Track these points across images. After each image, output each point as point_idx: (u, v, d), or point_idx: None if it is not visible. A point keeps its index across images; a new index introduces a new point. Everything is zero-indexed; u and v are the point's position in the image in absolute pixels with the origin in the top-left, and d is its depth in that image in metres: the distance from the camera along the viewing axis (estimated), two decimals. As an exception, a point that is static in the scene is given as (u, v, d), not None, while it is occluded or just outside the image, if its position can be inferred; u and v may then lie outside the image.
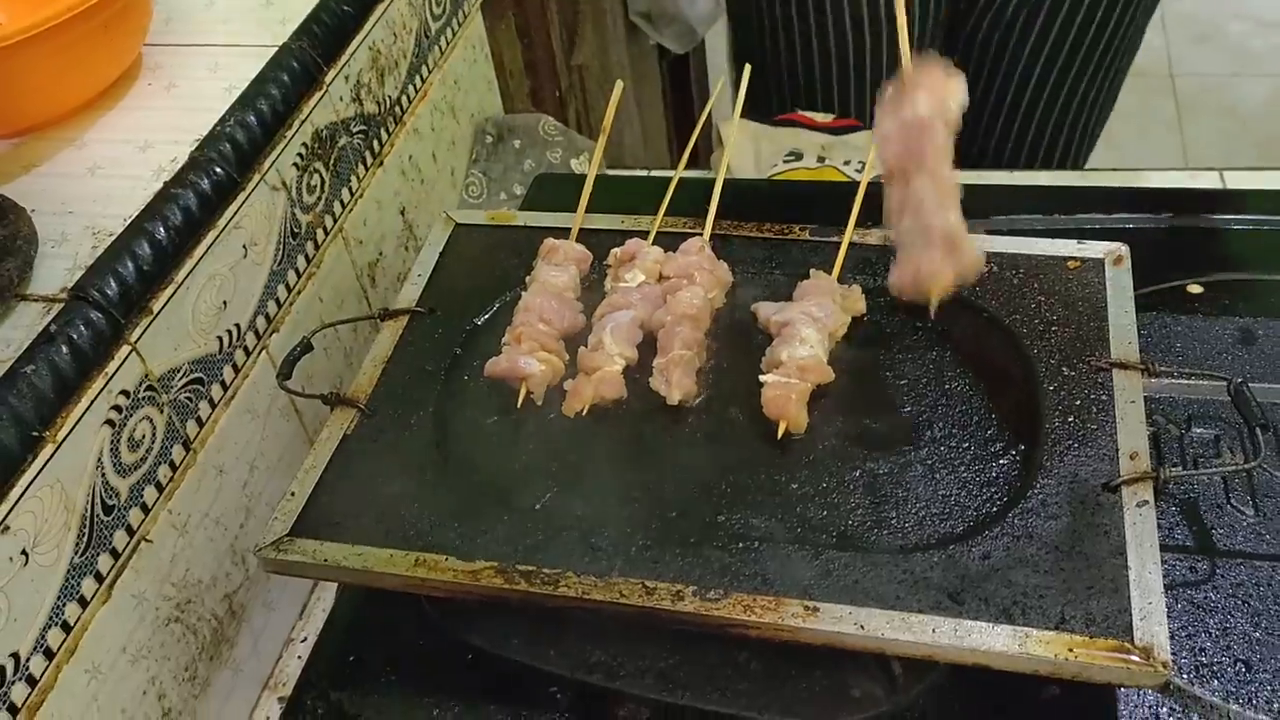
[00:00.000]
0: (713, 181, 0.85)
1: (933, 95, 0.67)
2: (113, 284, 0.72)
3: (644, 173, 1.27)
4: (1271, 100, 3.07)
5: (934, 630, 0.58)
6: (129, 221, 0.76)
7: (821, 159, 1.23)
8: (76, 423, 0.68)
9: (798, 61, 1.33)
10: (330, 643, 0.77)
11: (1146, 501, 0.63)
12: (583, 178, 0.87)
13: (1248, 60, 3.19)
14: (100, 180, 0.81)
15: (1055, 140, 1.37)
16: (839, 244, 0.82)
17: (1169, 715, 0.64)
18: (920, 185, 0.67)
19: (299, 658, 0.87)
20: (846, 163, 1.22)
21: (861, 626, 0.59)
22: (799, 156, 1.24)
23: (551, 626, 0.68)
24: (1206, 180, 1.21)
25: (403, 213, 1.09)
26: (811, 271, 0.78)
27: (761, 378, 0.71)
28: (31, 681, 0.66)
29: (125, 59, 0.89)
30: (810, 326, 0.72)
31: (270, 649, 0.90)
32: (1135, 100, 3.21)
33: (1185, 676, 0.65)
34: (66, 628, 0.68)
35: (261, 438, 0.88)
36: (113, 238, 0.75)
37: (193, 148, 0.81)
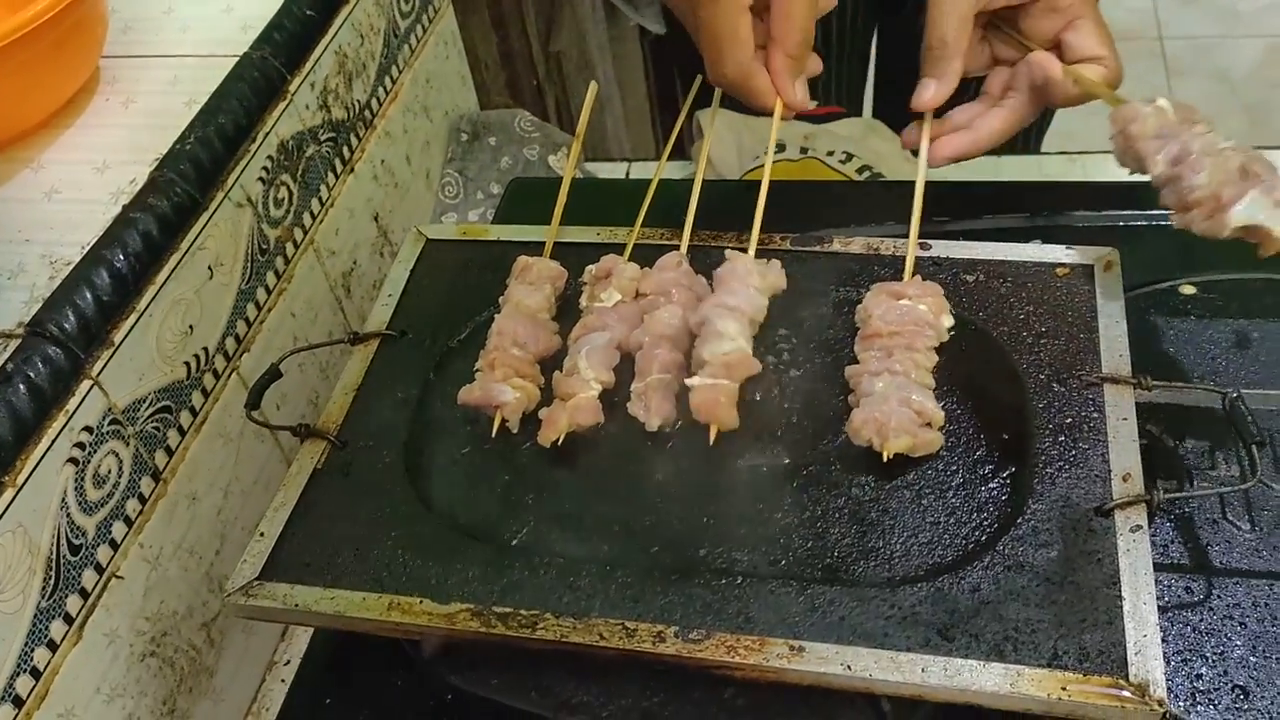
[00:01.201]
0: (693, 182, 0.82)
1: (935, 303, 0.73)
2: (71, 317, 0.70)
3: (623, 172, 1.24)
4: (1261, 61, 3.04)
5: (923, 670, 0.57)
6: (87, 250, 0.73)
7: (805, 150, 1.20)
8: (37, 464, 0.66)
9: None
10: (307, 680, 0.76)
11: (1140, 526, 0.61)
12: (558, 181, 0.85)
13: (1236, 21, 3.15)
14: (57, 205, 0.78)
15: None
16: (820, 253, 0.80)
17: (1165, 745, 0.63)
18: (903, 360, 0.69)
19: (282, 681, 0.85)
20: (830, 154, 1.20)
21: (848, 666, 0.57)
22: (782, 148, 1.21)
23: (532, 665, 0.67)
24: (1198, 164, 1.19)
25: (376, 219, 1.06)
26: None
27: (686, 381, 0.68)
28: (0, 732, 0.64)
29: (81, 74, 0.86)
30: (728, 318, 0.70)
31: (252, 675, 0.88)
32: (1124, 64, 3.18)
33: (1182, 704, 0.63)
34: (36, 674, 0.67)
35: (235, 461, 0.86)
36: (70, 267, 0.72)
37: (152, 167, 0.79)
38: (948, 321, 0.73)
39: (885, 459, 0.66)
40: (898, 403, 0.67)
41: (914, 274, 0.76)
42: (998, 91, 0.81)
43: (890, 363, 0.69)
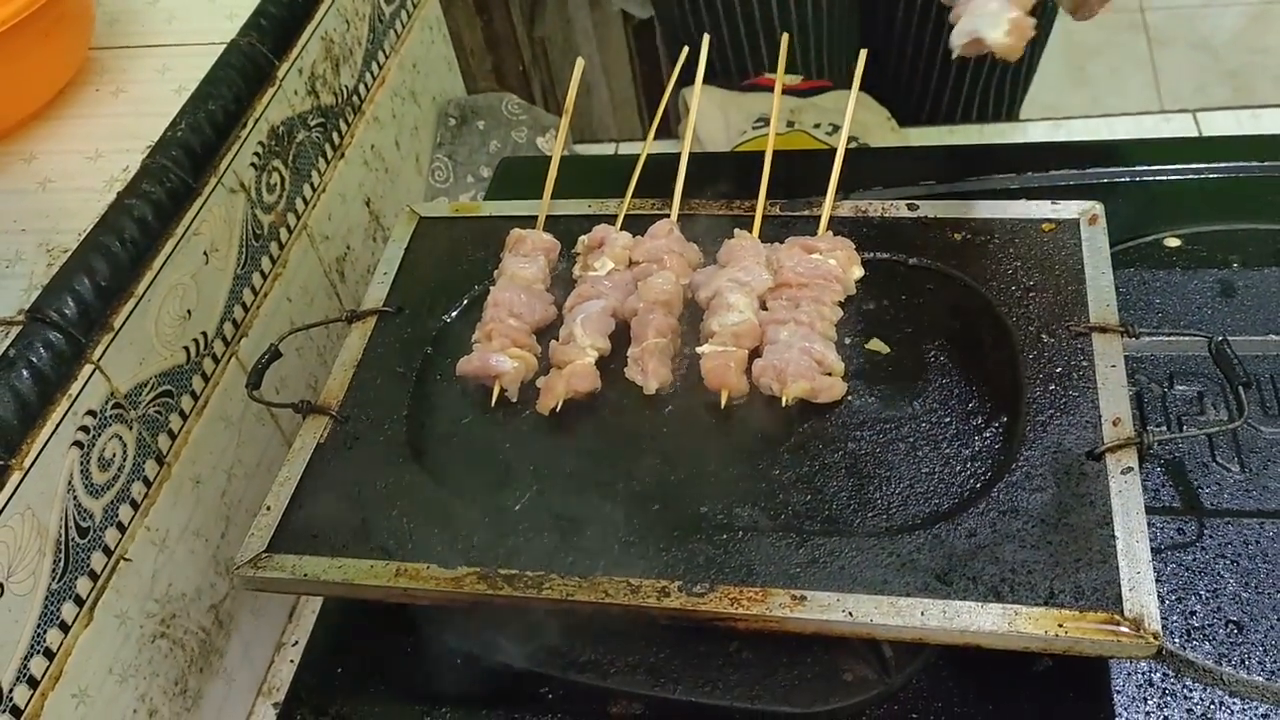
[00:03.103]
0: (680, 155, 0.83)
1: (845, 256, 0.76)
2: (70, 303, 0.70)
3: (611, 150, 1.25)
4: (1243, 29, 3.05)
5: (923, 613, 0.58)
6: (83, 237, 0.74)
7: (791, 123, 1.21)
8: (43, 447, 0.67)
9: (757, 29, 1.30)
10: (318, 651, 0.77)
11: (1131, 468, 0.62)
12: (548, 159, 0.86)
13: (1217, -10, 3.16)
14: (52, 195, 0.79)
15: (987, 90, 1.33)
16: (807, 216, 0.81)
17: (1161, 680, 0.64)
18: (809, 312, 0.72)
19: (291, 662, 0.87)
20: (816, 125, 1.21)
21: (850, 613, 0.58)
22: (768, 122, 1.21)
23: (540, 626, 0.68)
24: (1180, 124, 1.20)
25: (368, 204, 1.07)
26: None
27: (698, 349, 0.71)
28: (16, 712, 0.65)
29: (70, 66, 0.87)
30: (738, 293, 0.72)
31: (261, 656, 0.89)
32: (1105, 36, 3.18)
33: (1177, 640, 0.65)
34: (49, 654, 0.68)
35: (237, 444, 0.86)
36: (68, 254, 0.73)
37: (144, 155, 0.80)
38: (857, 273, 0.76)
39: (785, 404, 0.68)
40: (799, 351, 0.69)
41: (828, 230, 0.79)
42: None
43: (797, 313, 0.71)
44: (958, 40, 0.64)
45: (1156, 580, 0.58)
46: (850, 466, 0.66)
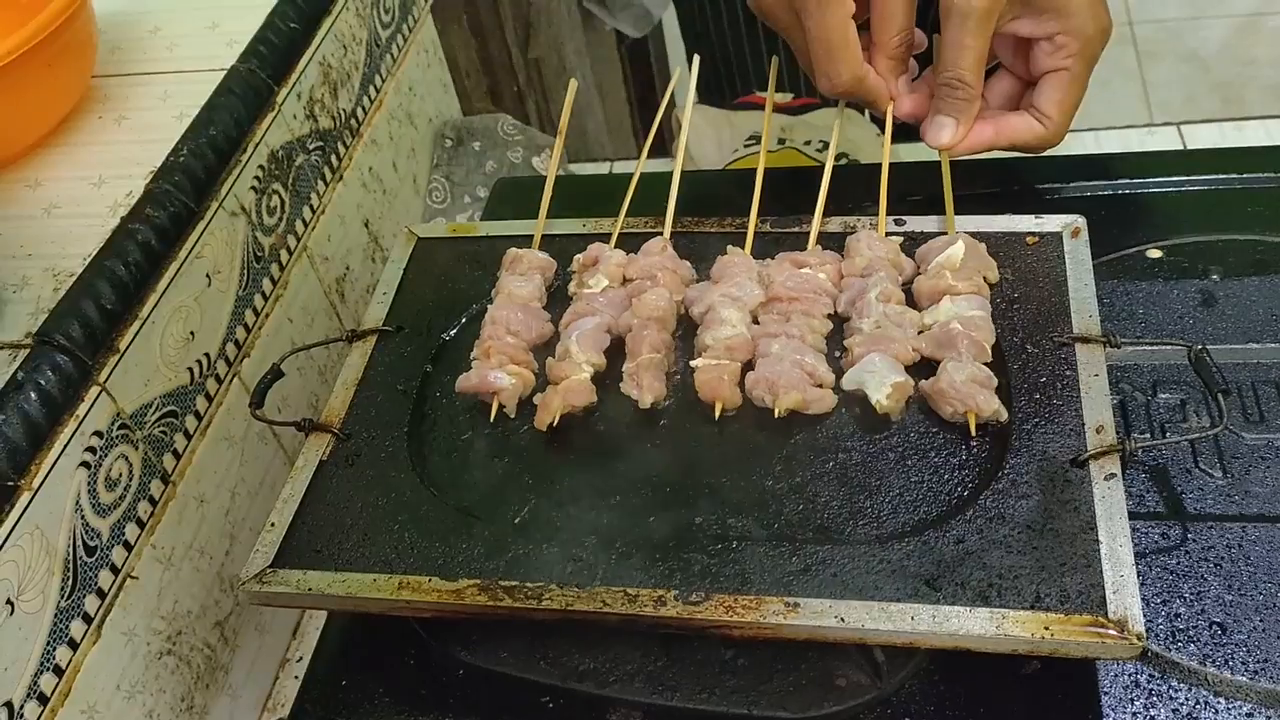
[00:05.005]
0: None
1: (835, 272, 0.79)
2: (77, 326, 0.72)
3: (605, 169, 1.27)
4: (1231, 41, 3.08)
5: (913, 618, 0.59)
6: (89, 261, 0.76)
7: (782, 140, 1.23)
8: (51, 468, 0.68)
9: (747, 44, 1.33)
10: (321, 666, 0.78)
11: (1114, 475, 0.64)
12: (543, 179, 0.87)
13: (1206, 2, 3.19)
14: (57, 220, 0.81)
15: None
16: (797, 233, 0.83)
17: (1148, 681, 0.66)
18: (800, 325, 0.74)
19: (295, 678, 0.88)
20: (807, 143, 1.22)
21: (842, 619, 0.60)
22: (760, 139, 1.23)
23: (540, 637, 0.69)
24: (1165, 136, 1.22)
25: (367, 225, 1.09)
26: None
27: (692, 363, 0.73)
28: (27, 729, 0.66)
29: (74, 94, 0.88)
30: (730, 307, 0.74)
31: (266, 672, 0.91)
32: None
33: (1162, 642, 0.66)
34: (58, 671, 0.69)
35: (240, 463, 0.88)
36: (73, 279, 0.75)
37: (147, 180, 0.81)
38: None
39: (776, 415, 0.69)
40: (790, 364, 0.71)
41: (817, 245, 0.81)
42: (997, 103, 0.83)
43: (788, 327, 0.73)
44: (847, 386, 0.71)
45: (1141, 584, 0.60)
46: (841, 476, 0.68)
